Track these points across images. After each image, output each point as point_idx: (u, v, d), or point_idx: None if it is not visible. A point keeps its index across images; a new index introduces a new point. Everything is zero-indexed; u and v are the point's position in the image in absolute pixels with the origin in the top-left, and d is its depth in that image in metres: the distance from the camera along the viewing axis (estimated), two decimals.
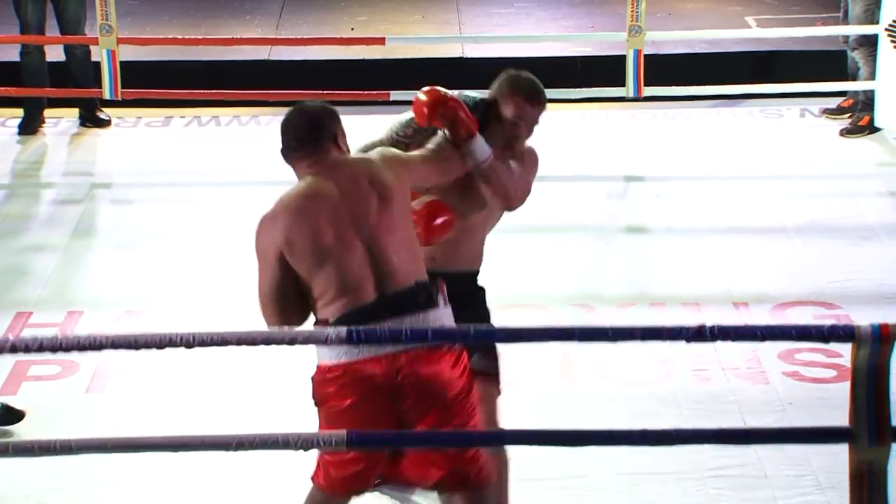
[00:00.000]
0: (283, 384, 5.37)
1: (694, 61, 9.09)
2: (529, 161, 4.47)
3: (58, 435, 5.17)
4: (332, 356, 3.90)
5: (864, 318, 6.01)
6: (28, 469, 4.61)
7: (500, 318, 4.50)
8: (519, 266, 6.49)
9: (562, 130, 8.32)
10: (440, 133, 4.25)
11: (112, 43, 8.26)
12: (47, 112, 8.62)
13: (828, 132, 8.40)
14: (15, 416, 5.27)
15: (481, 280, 4.50)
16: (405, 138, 4.37)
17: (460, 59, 9.14)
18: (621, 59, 8.30)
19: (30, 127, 8.54)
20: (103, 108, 8.64)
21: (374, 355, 3.88)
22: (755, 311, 6.17)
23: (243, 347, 3.64)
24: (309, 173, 4.02)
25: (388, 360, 3.89)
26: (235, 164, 8.02)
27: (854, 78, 8.42)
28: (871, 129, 8.26)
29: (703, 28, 9.07)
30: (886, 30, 7.99)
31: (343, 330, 3.67)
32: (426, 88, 4.27)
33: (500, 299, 4.65)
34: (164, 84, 8.51)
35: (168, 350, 3.50)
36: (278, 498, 4.74)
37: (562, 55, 9.10)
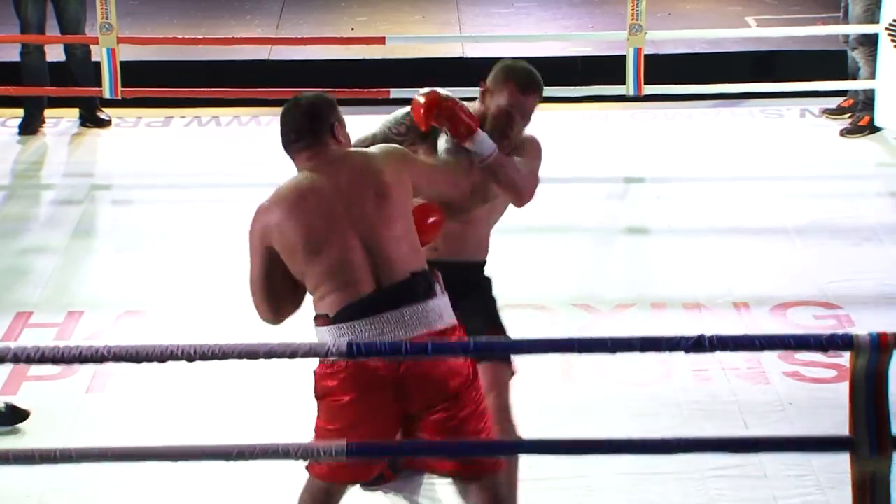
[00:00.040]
0: (283, 384, 5.37)
1: (694, 61, 9.09)
2: (533, 150, 4.50)
3: (58, 435, 5.20)
4: None
5: (864, 318, 6.07)
6: (28, 469, 4.61)
7: (501, 318, 4.52)
8: (519, 266, 6.49)
9: (562, 131, 8.32)
10: (445, 139, 4.30)
11: (112, 42, 8.26)
12: (47, 112, 8.63)
13: (828, 132, 8.39)
14: (20, 415, 5.29)
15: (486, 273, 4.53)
16: (398, 135, 4.46)
17: (460, 58, 9.14)
18: (621, 59, 8.30)
19: (30, 127, 8.54)
20: (104, 108, 8.64)
21: None
22: (755, 311, 6.17)
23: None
24: (308, 167, 4.04)
25: None
26: (236, 164, 8.02)
27: (854, 78, 8.42)
28: (872, 129, 8.26)
29: (703, 28, 9.08)
30: (886, 29, 7.99)
31: (343, 343, 3.69)
32: (424, 91, 4.32)
33: (500, 299, 4.66)
34: (164, 84, 8.51)
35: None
36: (279, 495, 4.74)
37: (562, 55, 9.10)
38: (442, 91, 4.34)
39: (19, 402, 5.37)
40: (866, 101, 8.27)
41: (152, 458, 3.83)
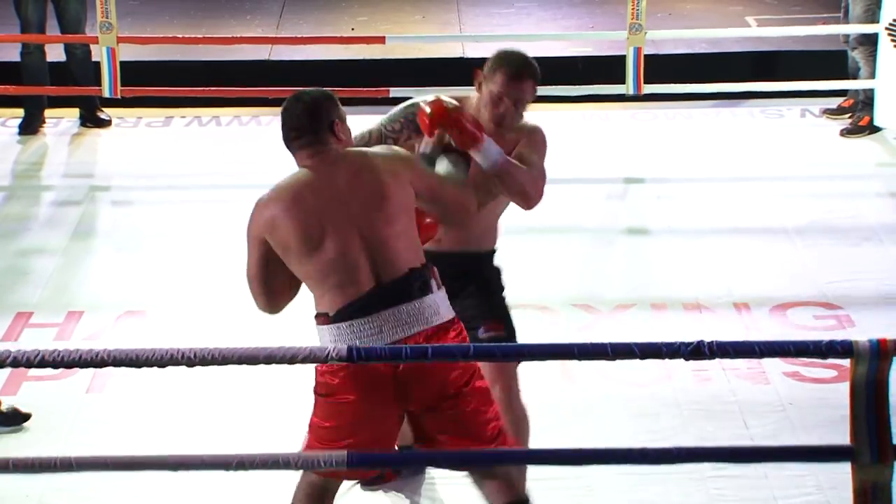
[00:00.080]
0: (282, 384, 5.37)
1: (694, 61, 9.08)
2: (536, 140, 4.51)
3: (58, 435, 5.21)
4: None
5: (864, 318, 6.07)
6: None
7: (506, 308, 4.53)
8: (520, 267, 6.46)
9: (562, 131, 8.30)
10: (445, 162, 4.32)
11: (112, 41, 8.26)
12: (48, 112, 8.63)
13: (828, 132, 8.39)
14: (22, 417, 5.32)
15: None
16: (392, 133, 4.51)
17: (460, 58, 9.13)
18: (622, 60, 8.30)
19: (30, 127, 8.54)
20: (104, 108, 8.64)
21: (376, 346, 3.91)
22: (756, 311, 6.17)
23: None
24: (308, 165, 4.04)
25: None
26: (236, 164, 8.02)
27: (854, 78, 8.42)
28: (872, 129, 8.26)
29: (704, 28, 9.07)
30: (887, 29, 7.99)
31: (343, 348, 3.70)
32: (429, 98, 4.33)
33: None
34: (164, 84, 8.51)
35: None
36: (279, 495, 4.74)
37: (562, 55, 9.10)
38: (446, 98, 4.34)
39: (19, 402, 5.37)
40: (866, 101, 8.27)
41: (152, 467, 3.85)
